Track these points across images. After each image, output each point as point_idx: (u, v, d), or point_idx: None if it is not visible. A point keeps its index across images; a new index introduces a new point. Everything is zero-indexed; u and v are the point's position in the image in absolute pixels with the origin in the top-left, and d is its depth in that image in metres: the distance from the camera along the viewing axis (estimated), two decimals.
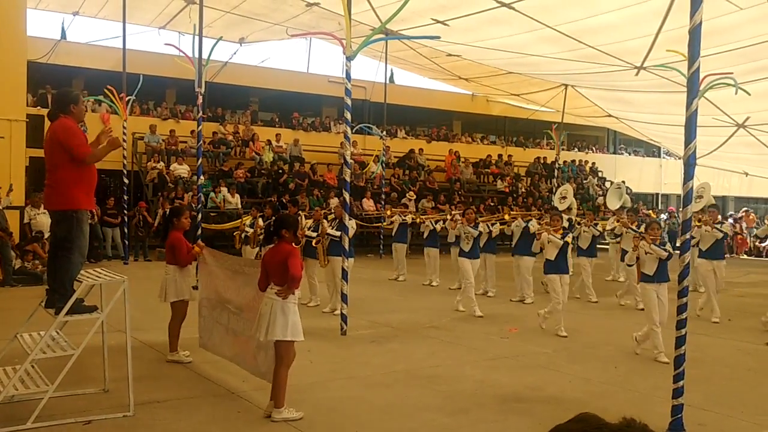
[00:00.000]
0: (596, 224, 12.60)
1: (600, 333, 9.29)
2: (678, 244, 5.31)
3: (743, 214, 27.65)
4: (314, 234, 10.40)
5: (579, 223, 12.64)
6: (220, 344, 6.54)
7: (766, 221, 16.68)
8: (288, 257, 5.37)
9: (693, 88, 5.10)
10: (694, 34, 5.07)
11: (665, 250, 7.70)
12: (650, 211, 24.16)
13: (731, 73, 11.65)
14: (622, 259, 10.67)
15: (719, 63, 12.70)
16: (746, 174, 25.27)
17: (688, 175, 5.20)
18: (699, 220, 10.77)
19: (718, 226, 10.74)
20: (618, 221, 12.79)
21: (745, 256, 24.14)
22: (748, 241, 25.71)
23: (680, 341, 5.16)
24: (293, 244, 5.68)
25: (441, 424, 5.37)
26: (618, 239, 13.34)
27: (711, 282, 10.47)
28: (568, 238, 9.22)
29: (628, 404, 5.94)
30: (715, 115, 17.31)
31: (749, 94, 12.54)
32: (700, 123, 15.62)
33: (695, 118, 5.15)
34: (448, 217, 13.19)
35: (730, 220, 27.09)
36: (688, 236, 5.21)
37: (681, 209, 5.34)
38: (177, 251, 6.86)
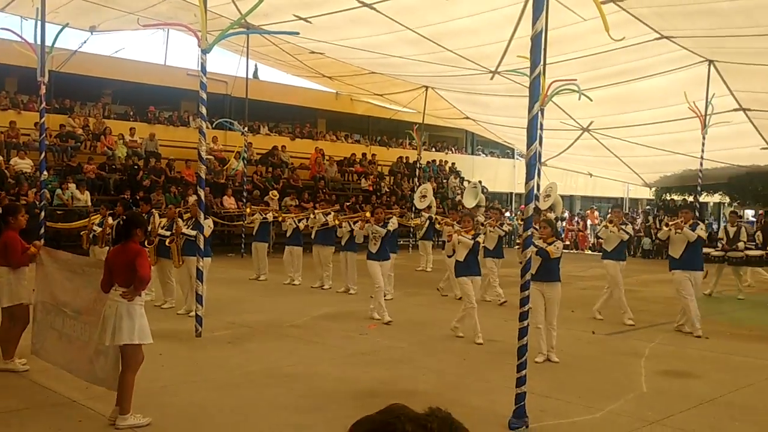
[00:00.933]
0: (502, 224, 12.21)
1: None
2: (518, 241, 5.58)
3: (588, 212, 29.71)
4: (168, 233, 10.01)
5: (483, 224, 12.29)
6: (53, 351, 6.14)
7: (663, 225, 16.96)
8: (136, 257, 5.14)
9: (535, 92, 5.38)
10: (536, 41, 5.35)
11: (476, 241, 8.49)
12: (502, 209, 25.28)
13: (575, 80, 12.47)
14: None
15: (565, 70, 13.53)
16: (590, 175, 27.09)
17: (530, 176, 5.49)
18: (666, 224, 10.26)
19: (623, 227, 10.33)
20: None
21: (589, 252, 25.86)
22: (590, 237, 27.62)
23: (522, 332, 5.43)
24: (145, 243, 5.44)
25: (295, 423, 5.34)
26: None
27: (618, 281, 10.15)
28: (480, 238, 8.91)
29: (477, 394, 6.18)
30: (562, 119, 18.43)
31: (591, 100, 13.46)
32: (548, 126, 16.55)
33: (536, 122, 5.45)
34: (310, 213, 13.18)
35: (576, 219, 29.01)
36: (529, 233, 5.49)
37: (519, 208, 5.62)
38: (10, 252, 6.36)
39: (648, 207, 30.21)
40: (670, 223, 9.75)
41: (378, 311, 9.78)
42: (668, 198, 25.45)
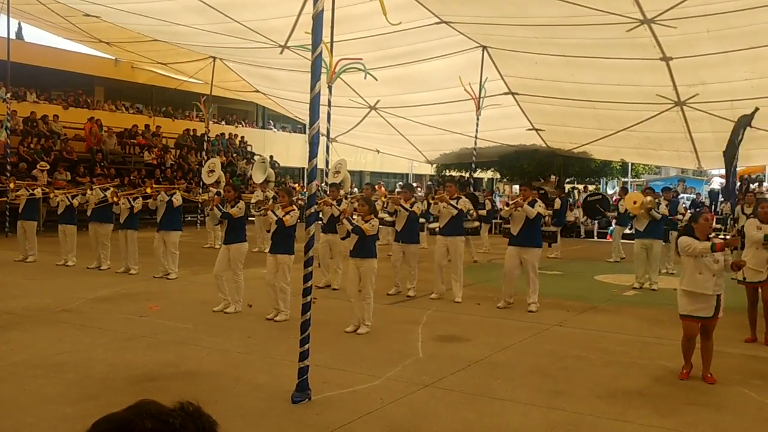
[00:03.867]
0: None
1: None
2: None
3: (377, 186, 30.71)
4: None
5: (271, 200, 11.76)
6: None
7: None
8: None
9: (316, 71, 5.42)
10: (317, 20, 5.39)
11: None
12: (296, 185, 25.43)
13: (361, 59, 12.78)
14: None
15: (353, 49, 13.79)
16: (378, 151, 28.08)
17: (313, 153, 5.54)
18: (433, 198, 10.48)
19: (454, 202, 10.21)
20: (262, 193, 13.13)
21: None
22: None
23: (306, 308, 5.51)
24: None
25: (64, 414, 4.98)
26: (261, 212, 13.80)
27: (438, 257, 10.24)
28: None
29: (262, 371, 6.18)
30: (351, 97, 18.85)
31: (377, 80, 13.91)
32: (337, 103, 16.77)
33: (318, 100, 5.51)
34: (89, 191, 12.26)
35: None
36: (312, 210, 5.56)
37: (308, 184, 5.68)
38: None
39: (429, 183, 32.03)
40: (511, 202, 10.12)
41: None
42: (447, 174, 27.15)
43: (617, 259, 15.92)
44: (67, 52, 24.03)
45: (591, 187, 24.98)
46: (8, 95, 17.48)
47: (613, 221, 17.80)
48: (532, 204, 9.46)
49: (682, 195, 23.86)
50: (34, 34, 23.96)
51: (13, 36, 18.81)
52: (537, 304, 9.42)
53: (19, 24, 22.70)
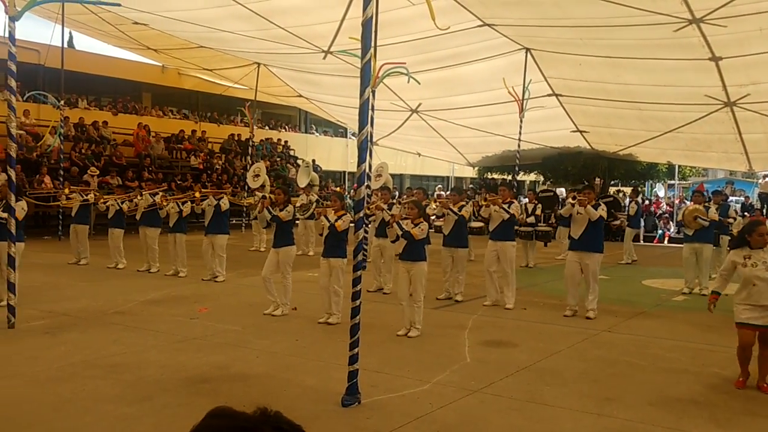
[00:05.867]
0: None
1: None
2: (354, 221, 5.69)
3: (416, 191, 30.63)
4: None
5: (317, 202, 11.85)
6: None
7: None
8: None
9: (366, 77, 5.46)
10: (367, 26, 5.42)
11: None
12: (338, 188, 25.57)
13: (404, 63, 12.81)
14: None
15: (395, 53, 13.87)
16: (419, 154, 28.09)
17: (362, 158, 5.59)
18: (485, 200, 10.27)
19: (506, 206, 9.93)
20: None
21: None
22: None
23: (355, 311, 5.56)
24: None
25: (121, 414, 5.11)
26: (306, 215, 14.00)
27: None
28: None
29: (311, 374, 6.25)
30: (392, 100, 18.90)
31: (419, 83, 13.91)
32: (379, 107, 16.86)
33: (368, 106, 5.55)
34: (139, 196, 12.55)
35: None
36: (361, 214, 5.61)
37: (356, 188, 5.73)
38: None
39: (471, 185, 31.90)
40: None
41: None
42: (489, 177, 27.01)
43: (629, 260, 15.93)
44: (116, 59, 24.63)
45: (626, 189, 24.53)
46: (61, 102, 17.99)
47: (625, 223, 17.54)
48: (595, 207, 9.15)
49: (731, 198, 23.29)
50: (84, 43, 24.59)
51: (65, 44, 19.29)
52: (596, 311, 9.21)
53: (71, 33, 23.34)
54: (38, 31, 24.99)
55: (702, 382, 6.27)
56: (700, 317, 9.31)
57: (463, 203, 10.30)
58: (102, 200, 13.19)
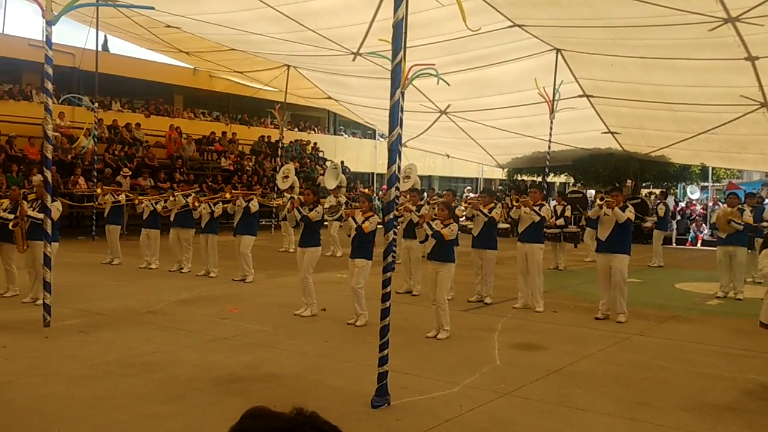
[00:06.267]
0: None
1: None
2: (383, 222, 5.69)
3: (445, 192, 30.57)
4: (11, 216, 9.28)
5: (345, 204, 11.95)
6: None
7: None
8: None
9: (396, 79, 5.46)
10: (398, 28, 5.43)
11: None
12: (366, 189, 25.60)
13: (434, 65, 12.79)
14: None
15: (424, 54, 13.84)
16: (448, 156, 28.00)
17: (392, 160, 5.60)
18: (517, 200, 10.19)
19: (537, 208, 9.86)
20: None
21: None
22: None
23: (385, 313, 5.56)
24: None
25: (155, 412, 5.17)
26: (334, 216, 14.01)
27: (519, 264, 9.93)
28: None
29: (340, 375, 6.27)
30: (421, 102, 18.88)
31: (449, 84, 13.88)
32: (408, 108, 16.77)
33: (398, 108, 5.54)
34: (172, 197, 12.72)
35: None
36: (391, 215, 5.61)
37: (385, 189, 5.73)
38: None
39: (500, 187, 31.71)
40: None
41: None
42: (519, 178, 26.83)
43: (659, 263, 15.69)
44: (149, 62, 24.98)
45: (658, 191, 24.15)
46: (95, 104, 18.29)
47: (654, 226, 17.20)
48: (623, 209, 9.08)
49: (767, 201, 22.82)
50: (117, 46, 24.99)
51: (99, 48, 19.64)
52: (626, 314, 9.08)
53: (105, 36, 23.72)
54: (74, 34, 25.52)
55: (738, 388, 6.16)
56: (735, 322, 9.16)
57: (493, 205, 10.25)
58: (137, 201, 13.39)
